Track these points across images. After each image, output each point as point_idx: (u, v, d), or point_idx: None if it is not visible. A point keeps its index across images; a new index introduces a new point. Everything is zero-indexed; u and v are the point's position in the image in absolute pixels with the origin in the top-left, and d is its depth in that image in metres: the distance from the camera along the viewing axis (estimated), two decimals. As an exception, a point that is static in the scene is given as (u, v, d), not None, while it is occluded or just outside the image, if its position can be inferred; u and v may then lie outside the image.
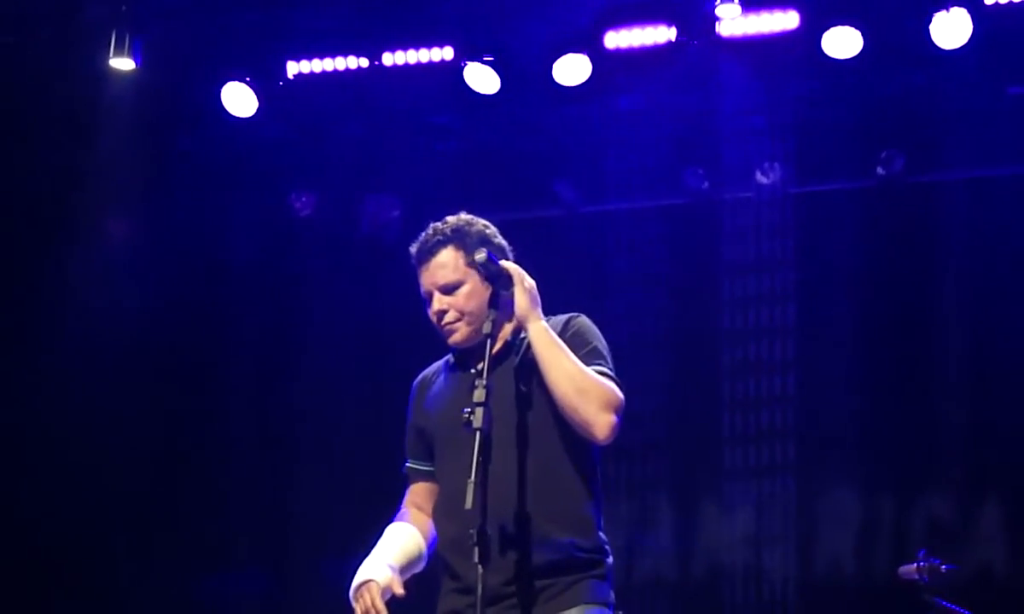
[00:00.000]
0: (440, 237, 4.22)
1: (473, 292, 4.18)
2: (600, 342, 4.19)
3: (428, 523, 4.29)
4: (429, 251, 4.22)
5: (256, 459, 8.37)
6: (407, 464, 4.38)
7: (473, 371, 4.07)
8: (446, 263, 4.20)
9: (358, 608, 4.07)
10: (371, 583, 4.08)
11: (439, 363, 4.39)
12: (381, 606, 4.03)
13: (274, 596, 8.30)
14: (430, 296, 4.21)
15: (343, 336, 8.29)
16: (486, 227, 4.28)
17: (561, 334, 4.15)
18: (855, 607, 7.49)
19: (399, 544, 4.22)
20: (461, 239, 4.22)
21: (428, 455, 4.30)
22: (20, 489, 7.99)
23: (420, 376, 4.41)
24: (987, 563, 7.31)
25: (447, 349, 4.34)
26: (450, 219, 4.27)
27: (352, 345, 8.28)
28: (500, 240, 4.29)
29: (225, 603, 8.31)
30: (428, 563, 4.27)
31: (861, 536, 7.58)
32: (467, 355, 4.20)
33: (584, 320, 4.23)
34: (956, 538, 7.31)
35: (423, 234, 4.26)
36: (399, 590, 4.09)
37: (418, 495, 4.35)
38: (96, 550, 8.14)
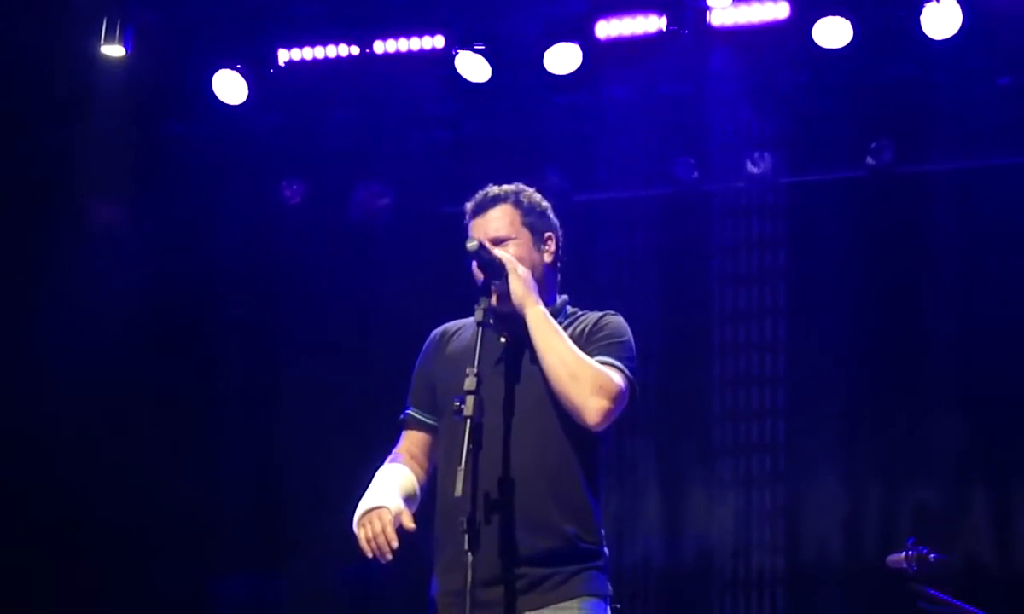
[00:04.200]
0: (500, 194, 4.30)
1: (522, 252, 4.23)
2: (622, 337, 4.21)
3: (421, 474, 4.29)
4: (487, 205, 4.29)
5: (248, 454, 8.35)
6: (408, 411, 4.37)
7: (503, 340, 4.12)
8: (502, 216, 4.27)
9: (363, 534, 3.99)
10: (382, 509, 4.01)
11: (464, 321, 4.36)
12: (392, 533, 3.95)
13: (271, 600, 8.29)
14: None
15: (333, 324, 8.29)
16: (542, 199, 4.37)
17: (592, 328, 4.21)
18: (843, 595, 7.51)
19: (399, 481, 4.19)
20: (518, 200, 4.30)
21: (432, 408, 4.31)
22: (7, 487, 7.94)
23: (441, 328, 4.41)
24: (975, 552, 7.33)
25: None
26: (507, 185, 4.34)
27: (342, 333, 8.28)
28: (553, 215, 4.37)
29: (223, 607, 8.29)
30: (417, 511, 4.21)
31: (849, 525, 7.60)
32: (500, 319, 4.17)
33: (616, 318, 4.28)
34: (944, 527, 7.33)
35: (480, 191, 4.32)
36: (410, 523, 4.03)
37: (413, 444, 4.35)
38: (88, 552, 8.09)
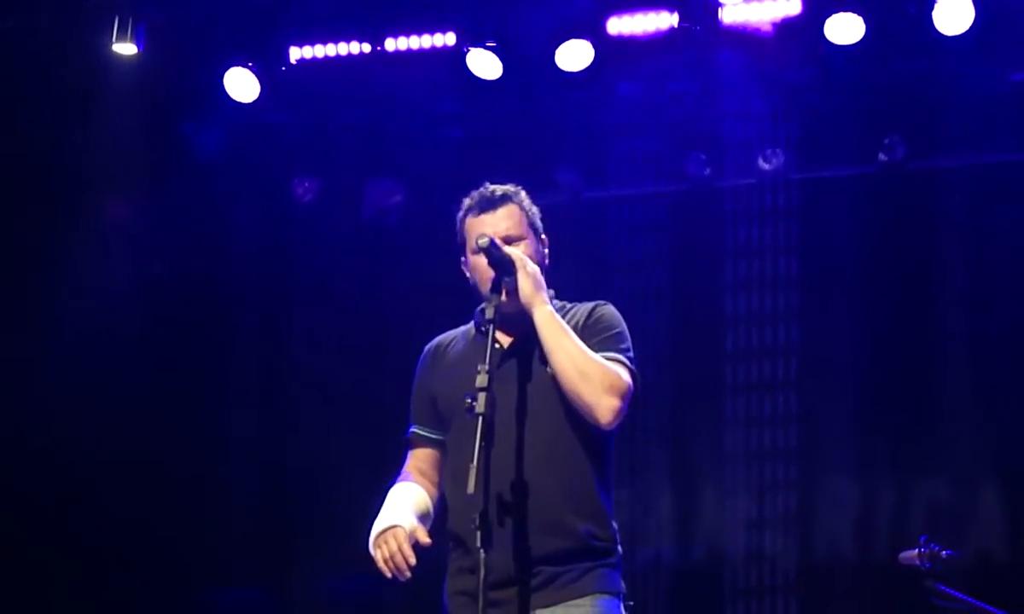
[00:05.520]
0: (509, 193, 4.29)
1: (531, 251, 4.23)
2: (620, 329, 4.22)
3: (432, 490, 4.29)
4: (498, 201, 4.26)
5: (258, 459, 8.34)
6: (412, 429, 4.36)
7: (497, 346, 4.09)
8: (511, 216, 4.26)
9: (379, 554, 3.99)
10: (397, 528, 4.02)
11: (456, 332, 4.38)
12: (409, 551, 3.95)
13: (276, 611, 8.29)
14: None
15: (345, 321, 8.29)
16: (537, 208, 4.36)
17: (585, 321, 4.20)
18: (856, 592, 7.51)
19: (411, 499, 4.19)
20: (522, 202, 4.29)
21: (435, 422, 4.30)
22: (8, 486, 7.93)
23: (434, 342, 4.41)
24: (988, 549, 7.32)
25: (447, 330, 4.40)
26: (508, 185, 4.32)
27: (354, 331, 8.28)
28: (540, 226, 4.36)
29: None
30: (432, 526, 4.22)
31: (862, 521, 7.60)
32: (505, 320, 4.15)
33: (608, 308, 4.27)
34: (957, 523, 7.32)
35: (485, 188, 4.30)
36: (425, 539, 4.03)
37: (421, 461, 4.34)
38: (88, 559, 8.07)
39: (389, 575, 3.99)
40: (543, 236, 4.33)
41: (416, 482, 4.27)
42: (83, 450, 7.97)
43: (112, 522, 8.06)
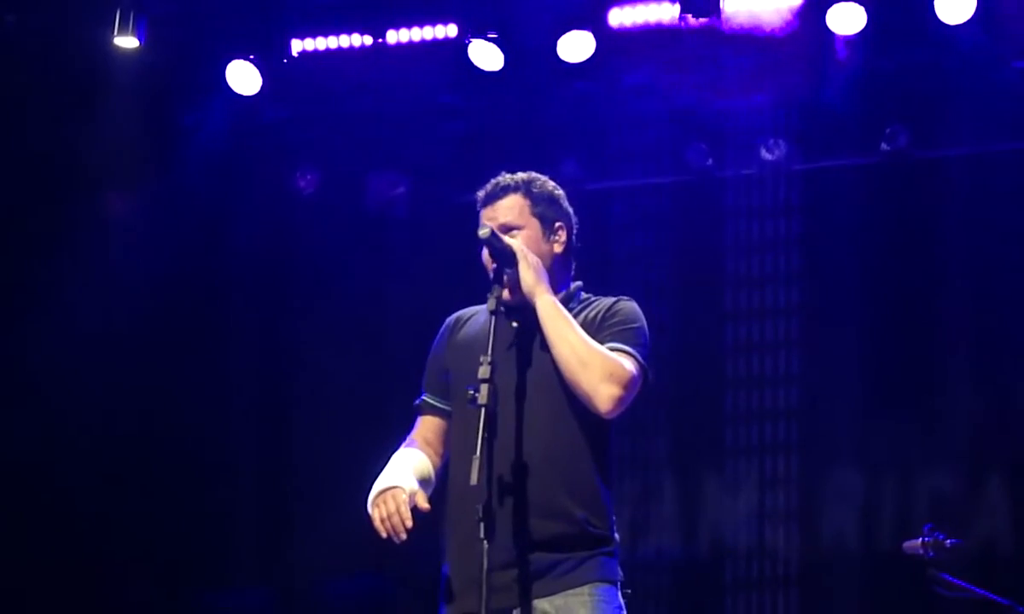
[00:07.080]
0: (511, 183, 4.31)
1: (531, 240, 4.24)
2: (634, 323, 4.21)
3: (436, 459, 4.30)
4: (497, 195, 4.30)
5: (260, 456, 8.33)
6: (422, 397, 4.39)
7: (515, 324, 4.13)
8: (512, 206, 4.28)
9: (377, 514, 4.00)
10: (397, 489, 4.02)
11: (478, 307, 4.37)
12: (407, 513, 3.95)
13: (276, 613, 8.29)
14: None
15: (347, 314, 8.28)
16: (555, 188, 4.37)
17: (604, 314, 4.21)
18: (859, 582, 7.51)
19: (414, 464, 4.20)
20: (529, 189, 4.31)
21: (445, 393, 4.32)
22: (6, 488, 7.92)
23: (455, 315, 4.43)
24: (992, 538, 7.32)
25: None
26: (520, 173, 4.34)
27: (357, 323, 8.27)
28: (566, 204, 4.37)
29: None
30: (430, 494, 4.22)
31: (865, 511, 7.59)
32: (512, 310, 4.18)
33: (628, 304, 4.28)
34: (961, 513, 7.32)
35: (492, 180, 4.33)
36: (424, 504, 4.04)
37: (428, 430, 4.36)
38: (88, 559, 8.03)
39: (384, 535, 3.99)
40: (558, 223, 4.32)
41: (420, 450, 4.29)
42: (82, 447, 7.94)
43: (111, 521, 8.02)
